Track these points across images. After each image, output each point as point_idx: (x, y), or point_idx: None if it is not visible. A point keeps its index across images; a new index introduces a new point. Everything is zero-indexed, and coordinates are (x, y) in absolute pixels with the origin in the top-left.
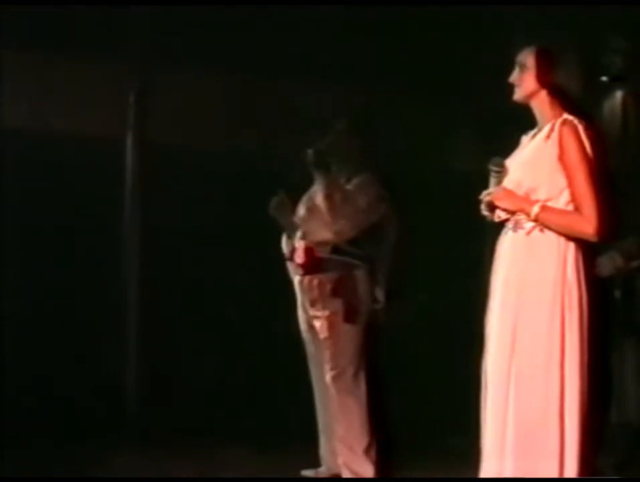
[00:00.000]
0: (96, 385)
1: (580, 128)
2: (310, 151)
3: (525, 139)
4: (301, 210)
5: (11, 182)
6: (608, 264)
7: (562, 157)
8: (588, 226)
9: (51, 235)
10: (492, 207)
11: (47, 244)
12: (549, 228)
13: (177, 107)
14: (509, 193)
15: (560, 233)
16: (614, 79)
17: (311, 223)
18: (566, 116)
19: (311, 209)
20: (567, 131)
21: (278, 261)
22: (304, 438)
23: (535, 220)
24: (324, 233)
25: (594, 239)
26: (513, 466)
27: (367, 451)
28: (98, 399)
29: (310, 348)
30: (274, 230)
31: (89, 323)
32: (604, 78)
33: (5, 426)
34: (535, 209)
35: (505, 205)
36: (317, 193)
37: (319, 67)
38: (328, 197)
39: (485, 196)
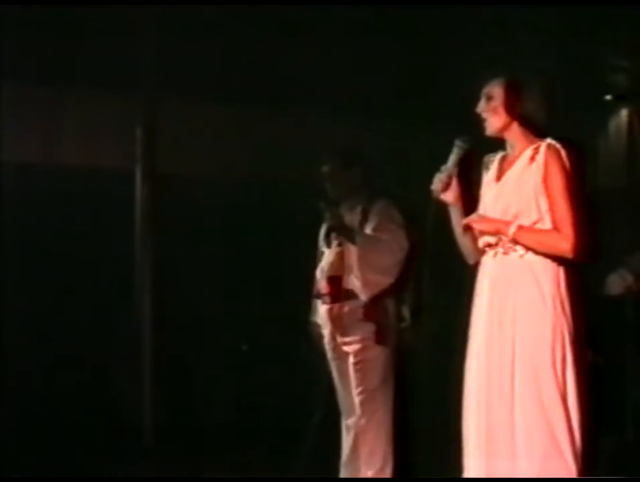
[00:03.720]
0: (111, 418)
1: (563, 153)
2: (323, 204)
3: (490, 162)
4: (330, 256)
5: (22, 215)
6: (618, 282)
7: (545, 180)
8: (564, 243)
9: (62, 267)
10: (469, 229)
11: (57, 276)
12: (527, 247)
13: (185, 139)
14: (484, 217)
15: (536, 252)
16: (619, 98)
17: (349, 277)
18: (549, 140)
19: (348, 265)
20: (552, 155)
21: (290, 290)
22: (323, 473)
23: (513, 239)
24: (364, 288)
25: (570, 255)
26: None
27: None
28: (113, 432)
29: (338, 377)
30: (285, 258)
31: (100, 355)
32: (608, 97)
33: (17, 455)
34: (512, 229)
35: (482, 227)
36: (352, 252)
37: (328, 97)
38: (363, 258)
39: (465, 221)
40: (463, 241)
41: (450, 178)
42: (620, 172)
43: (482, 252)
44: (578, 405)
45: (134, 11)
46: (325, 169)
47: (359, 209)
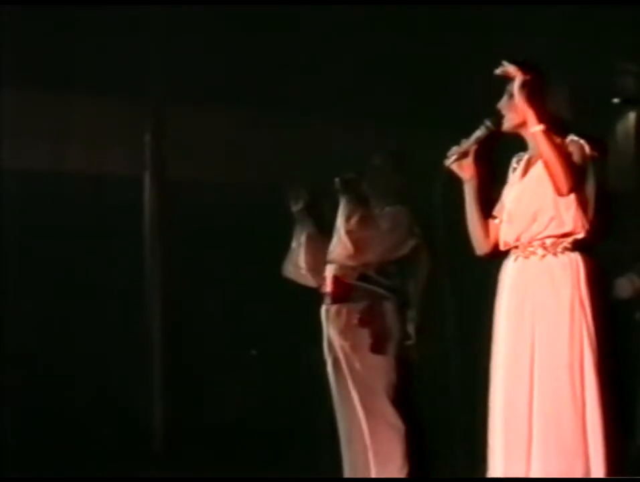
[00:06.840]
0: (119, 420)
1: (587, 148)
2: (337, 179)
3: (517, 161)
4: (334, 238)
5: (29, 222)
6: (626, 286)
7: None
8: (568, 180)
9: (71, 274)
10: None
11: (66, 284)
12: (542, 149)
13: (194, 145)
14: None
15: (543, 160)
16: (626, 101)
17: (336, 247)
18: (572, 137)
19: (336, 233)
20: (573, 148)
21: (301, 295)
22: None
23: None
24: (344, 255)
25: (564, 190)
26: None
27: None
28: (121, 435)
29: (334, 380)
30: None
31: (109, 359)
32: (616, 100)
33: (22, 456)
34: (537, 127)
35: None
36: (339, 217)
37: (337, 104)
38: (347, 219)
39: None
40: (474, 225)
41: (467, 152)
42: (629, 176)
43: (492, 244)
44: (598, 409)
45: (143, 16)
46: (374, 164)
47: (377, 211)
